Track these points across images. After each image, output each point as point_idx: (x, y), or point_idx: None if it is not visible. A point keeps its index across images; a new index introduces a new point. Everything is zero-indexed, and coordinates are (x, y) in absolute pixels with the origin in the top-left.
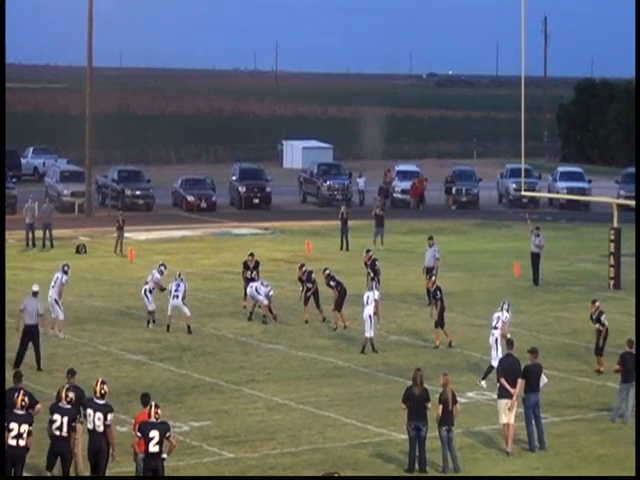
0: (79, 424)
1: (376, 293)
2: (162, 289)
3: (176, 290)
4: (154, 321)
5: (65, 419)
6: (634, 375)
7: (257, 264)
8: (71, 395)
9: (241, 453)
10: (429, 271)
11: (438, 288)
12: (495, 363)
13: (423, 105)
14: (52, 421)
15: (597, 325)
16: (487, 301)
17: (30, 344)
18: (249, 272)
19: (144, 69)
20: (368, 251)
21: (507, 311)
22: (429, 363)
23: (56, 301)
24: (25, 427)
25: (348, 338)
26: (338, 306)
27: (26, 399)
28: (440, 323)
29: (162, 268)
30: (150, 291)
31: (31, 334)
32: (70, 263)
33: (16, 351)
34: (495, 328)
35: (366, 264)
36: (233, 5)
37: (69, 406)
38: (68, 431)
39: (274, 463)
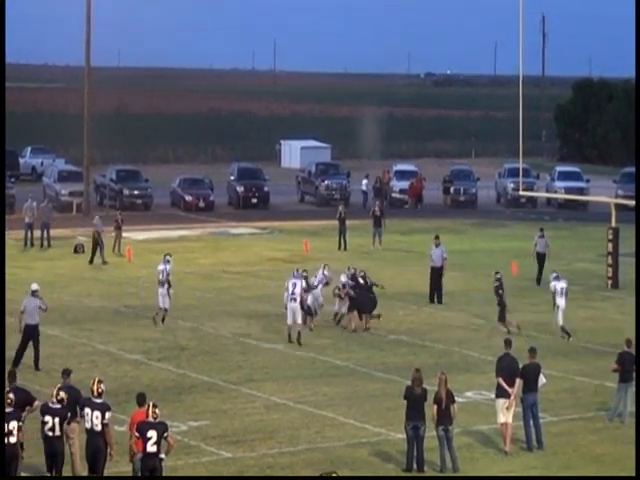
0: (75, 424)
1: (561, 284)
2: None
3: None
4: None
5: (56, 420)
6: (632, 374)
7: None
8: (62, 395)
9: (239, 453)
10: (435, 271)
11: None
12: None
13: (421, 104)
14: (44, 422)
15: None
16: (485, 300)
17: (30, 343)
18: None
19: (142, 68)
20: (497, 273)
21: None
22: (427, 362)
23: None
24: (14, 424)
25: (347, 337)
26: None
27: (11, 396)
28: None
29: (168, 257)
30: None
31: (31, 334)
32: (68, 263)
33: (15, 350)
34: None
35: (497, 291)
36: (231, 5)
37: (59, 406)
38: (61, 431)
39: (272, 462)
